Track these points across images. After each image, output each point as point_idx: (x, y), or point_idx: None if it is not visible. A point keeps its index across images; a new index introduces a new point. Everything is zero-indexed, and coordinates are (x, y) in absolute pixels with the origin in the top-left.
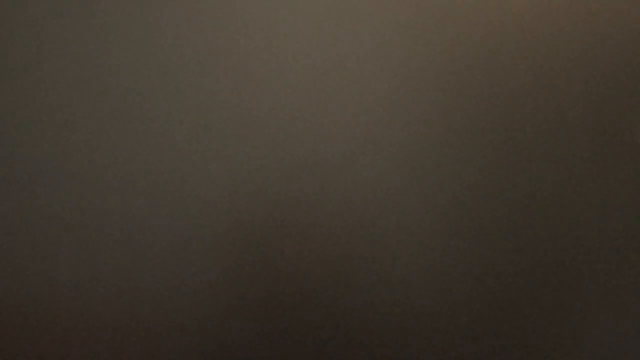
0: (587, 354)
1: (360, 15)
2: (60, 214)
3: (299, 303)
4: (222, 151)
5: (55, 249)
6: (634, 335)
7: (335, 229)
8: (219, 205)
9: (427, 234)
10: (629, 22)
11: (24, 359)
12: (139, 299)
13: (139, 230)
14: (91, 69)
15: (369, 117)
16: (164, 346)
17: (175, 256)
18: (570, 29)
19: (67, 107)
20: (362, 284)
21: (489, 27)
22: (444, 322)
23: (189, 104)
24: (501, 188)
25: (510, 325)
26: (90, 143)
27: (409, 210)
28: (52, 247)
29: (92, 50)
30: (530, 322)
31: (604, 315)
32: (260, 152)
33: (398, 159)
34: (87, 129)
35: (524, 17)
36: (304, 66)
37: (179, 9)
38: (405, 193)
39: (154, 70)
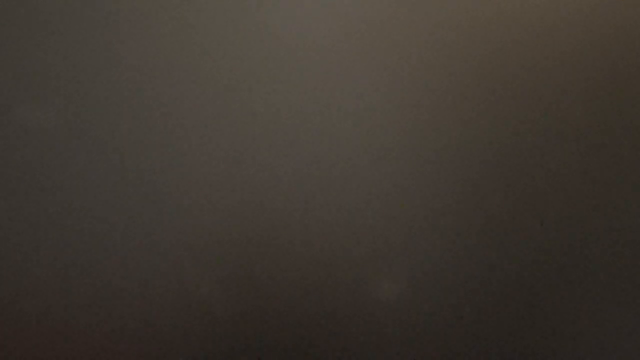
0: (587, 353)
1: (358, 14)
2: (61, 216)
3: (300, 304)
4: (221, 152)
5: (55, 251)
6: (634, 335)
7: (334, 230)
8: (219, 206)
9: (427, 235)
10: (629, 21)
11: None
12: (136, 301)
13: (138, 232)
14: (90, 70)
15: (369, 119)
16: (160, 349)
17: (175, 258)
18: (570, 27)
19: (67, 107)
20: (362, 284)
21: (489, 26)
22: (444, 322)
23: (188, 106)
24: (501, 189)
25: (510, 326)
26: (90, 145)
27: (409, 211)
28: (52, 248)
29: (91, 51)
30: (530, 324)
31: (605, 315)
32: (260, 154)
33: (397, 161)
34: (88, 130)
35: (523, 16)
36: (302, 69)
37: (181, 10)
38: (404, 194)
39: (154, 71)
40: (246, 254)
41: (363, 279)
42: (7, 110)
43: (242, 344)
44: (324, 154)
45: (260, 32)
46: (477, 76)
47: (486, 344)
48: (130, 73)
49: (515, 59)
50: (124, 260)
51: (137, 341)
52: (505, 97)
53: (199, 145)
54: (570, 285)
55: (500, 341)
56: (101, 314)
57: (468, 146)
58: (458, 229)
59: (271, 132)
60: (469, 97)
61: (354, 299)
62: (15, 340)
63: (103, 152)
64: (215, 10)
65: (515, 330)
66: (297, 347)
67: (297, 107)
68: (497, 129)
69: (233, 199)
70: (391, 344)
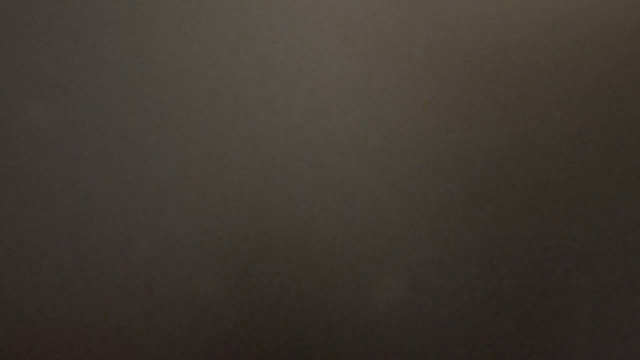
0: (587, 353)
1: (359, 13)
2: (62, 215)
3: (301, 304)
4: (222, 152)
5: (56, 250)
6: (634, 335)
7: (335, 230)
8: (219, 206)
9: (427, 235)
10: (629, 20)
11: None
12: (136, 301)
13: (139, 232)
14: (93, 69)
15: (370, 118)
16: (160, 349)
17: (176, 258)
18: (570, 27)
19: (69, 106)
20: (362, 285)
21: (488, 25)
22: (444, 322)
23: (190, 106)
24: (501, 189)
25: (510, 326)
26: (91, 144)
27: (409, 211)
28: (53, 247)
29: (93, 50)
30: (530, 324)
31: (605, 315)
32: (261, 153)
33: (398, 161)
34: (90, 130)
35: (523, 16)
36: (302, 68)
37: (182, 10)
38: (405, 194)
39: (156, 70)
40: (247, 254)
41: (363, 279)
42: (9, 109)
43: (243, 344)
44: (324, 153)
45: (260, 30)
46: (478, 76)
47: (486, 344)
48: (132, 72)
49: (515, 59)
50: (125, 260)
51: (137, 341)
52: (505, 97)
53: (201, 145)
54: (571, 285)
55: (500, 341)
56: (101, 314)
57: (469, 146)
58: (458, 229)
59: (271, 132)
60: (469, 97)
61: (354, 299)
62: (15, 340)
63: (104, 152)
64: (216, 9)
65: (515, 330)
66: (297, 347)
67: (298, 107)
68: (498, 129)
69: (234, 198)
70: (392, 344)
